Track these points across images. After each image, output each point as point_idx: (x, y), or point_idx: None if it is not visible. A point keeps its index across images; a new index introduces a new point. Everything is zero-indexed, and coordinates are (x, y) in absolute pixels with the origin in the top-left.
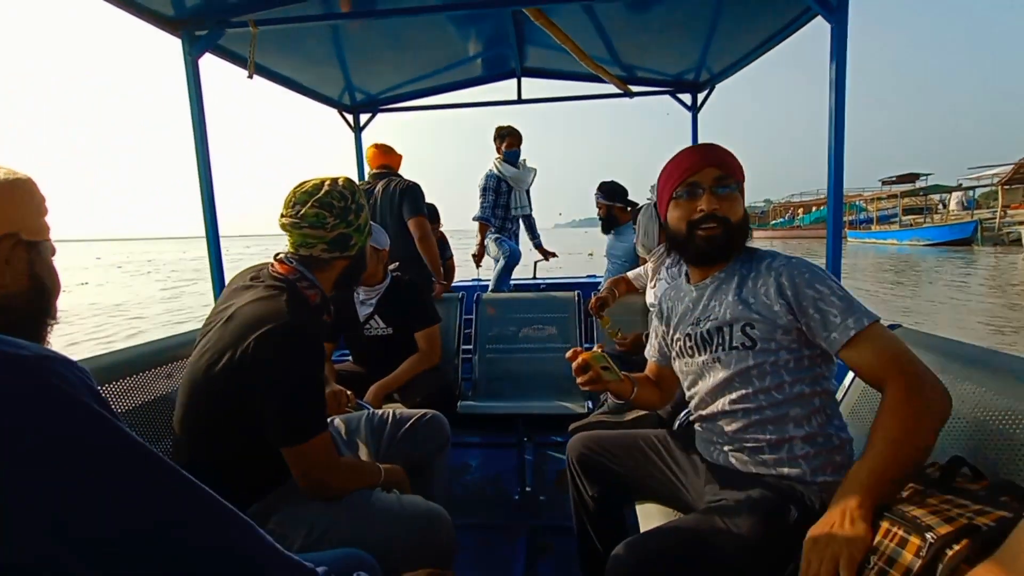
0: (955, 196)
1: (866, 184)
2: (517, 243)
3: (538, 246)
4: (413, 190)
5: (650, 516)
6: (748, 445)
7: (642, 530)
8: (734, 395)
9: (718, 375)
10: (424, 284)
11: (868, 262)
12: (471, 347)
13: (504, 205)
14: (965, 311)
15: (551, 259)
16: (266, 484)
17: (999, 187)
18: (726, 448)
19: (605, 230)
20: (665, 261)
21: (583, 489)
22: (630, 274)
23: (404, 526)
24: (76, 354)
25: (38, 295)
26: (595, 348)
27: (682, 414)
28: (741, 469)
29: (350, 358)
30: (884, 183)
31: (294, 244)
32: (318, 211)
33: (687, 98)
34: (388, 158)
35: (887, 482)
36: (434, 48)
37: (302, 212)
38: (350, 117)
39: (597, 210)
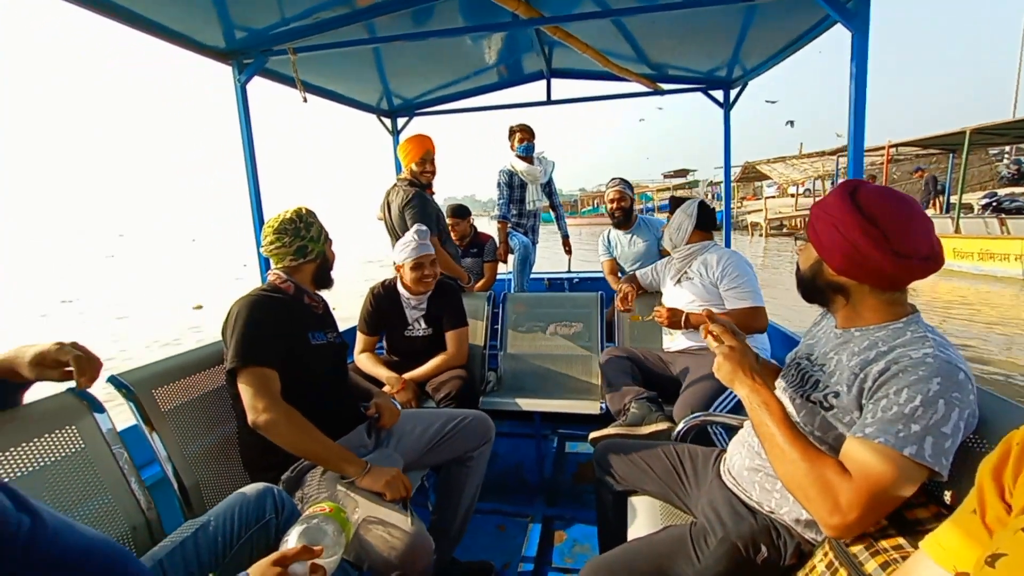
0: (711, 188)
1: (655, 177)
2: (535, 236)
3: (564, 238)
4: (413, 206)
5: (642, 511)
6: (764, 484)
7: (630, 526)
8: None
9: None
10: (458, 288)
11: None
12: (497, 343)
13: (519, 200)
14: None
15: (569, 256)
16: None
17: (735, 183)
18: (744, 473)
19: (623, 224)
20: (692, 262)
21: (607, 486)
22: (637, 274)
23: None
24: None
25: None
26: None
27: (681, 423)
28: (741, 496)
29: (384, 352)
30: (665, 176)
31: (277, 260)
32: (276, 236)
33: (719, 95)
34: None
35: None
36: (466, 56)
37: (266, 240)
38: (388, 121)
39: (613, 203)
